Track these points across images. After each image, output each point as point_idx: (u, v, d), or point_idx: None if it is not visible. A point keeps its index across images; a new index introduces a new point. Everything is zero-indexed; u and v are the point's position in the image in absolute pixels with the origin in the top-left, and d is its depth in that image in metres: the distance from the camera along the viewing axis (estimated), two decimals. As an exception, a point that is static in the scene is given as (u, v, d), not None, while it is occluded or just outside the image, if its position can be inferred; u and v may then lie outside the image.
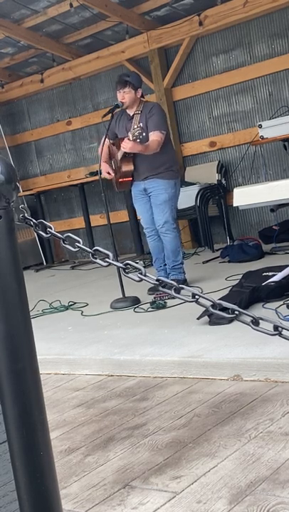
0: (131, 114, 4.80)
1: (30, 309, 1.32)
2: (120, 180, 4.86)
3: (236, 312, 1.35)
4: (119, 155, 4.74)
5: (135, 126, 4.56)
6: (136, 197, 4.94)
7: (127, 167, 4.77)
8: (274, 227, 6.30)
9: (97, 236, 8.02)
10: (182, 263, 4.91)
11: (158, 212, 4.80)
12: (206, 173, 6.98)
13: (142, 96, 4.87)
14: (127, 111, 4.83)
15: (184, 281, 4.83)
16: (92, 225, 7.90)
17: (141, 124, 4.64)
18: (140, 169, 4.78)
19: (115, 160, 4.87)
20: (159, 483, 2.03)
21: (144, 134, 4.52)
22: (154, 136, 4.66)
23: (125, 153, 4.66)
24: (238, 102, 6.92)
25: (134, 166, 4.77)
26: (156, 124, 4.69)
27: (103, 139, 4.97)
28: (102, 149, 4.87)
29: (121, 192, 7.40)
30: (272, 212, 6.09)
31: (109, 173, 4.89)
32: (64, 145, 8.58)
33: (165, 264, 4.94)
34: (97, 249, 1.46)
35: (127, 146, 4.53)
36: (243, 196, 5.18)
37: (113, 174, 4.88)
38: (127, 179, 4.85)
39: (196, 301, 1.39)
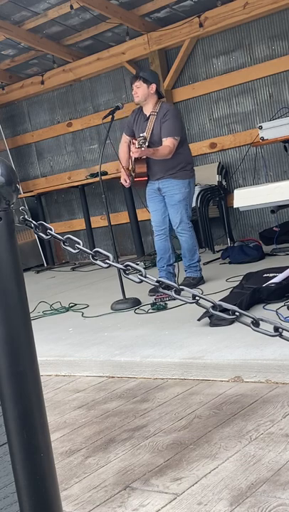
0: (147, 115, 4.82)
1: (30, 311, 1.32)
2: (136, 179, 4.93)
3: (237, 313, 1.35)
4: (133, 157, 4.81)
5: (140, 135, 4.63)
6: (150, 195, 4.98)
7: (141, 169, 4.83)
8: (274, 228, 6.29)
9: (97, 237, 8.02)
10: (199, 261, 4.95)
11: (173, 212, 4.85)
12: (207, 175, 6.98)
13: (160, 95, 4.87)
14: (144, 111, 4.85)
15: (201, 279, 4.90)
16: (92, 226, 7.91)
17: (145, 133, 4.69)
18: (154, 170, 4.83)
19: (132, 159, 4.93)
20: (159, 485, 2.03)
21: (146, 144, 4.58)
22: (167, 143, 4.70)
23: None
24: (238, 103, 6.92)
25: (148, 166, 4.82)
26: (170, 130, 4.72)
27: (123, 137, 5.00)
28: (122, 150, 4.94)
29: (121, 193, 7.42)
30: (273, 213, 6.08)
31: (125, 180, 4.94)
32: (64, 147, 8.58)
33: (168, 265, 4.97)
34: (97, 251, 1.46)
35: (135, 153, 4.61)
36: (244, 197, 5.18)
37: (129, 181, 4.94)
38: (142, 179, 4.91)
39: (197, 303, 1.39)
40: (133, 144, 4.66)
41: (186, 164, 4.87)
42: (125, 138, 5.00)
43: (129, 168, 5.00)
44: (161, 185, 4.85)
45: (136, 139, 4.71)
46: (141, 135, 4.64)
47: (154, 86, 4.79)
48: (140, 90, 4.75)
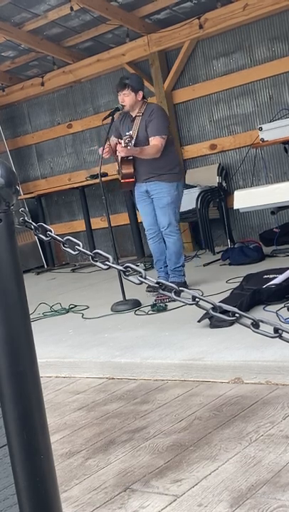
0: (133, 116, 4.82)
1: (30, 312, 1.32)
2: (122, 181, 4.91)
3: (237, 315, 1.34)
4: (119, 157, 4.78)
5: (126, 134, 4.62)
6: (138, 198, 4.97)
7: (127, 169, 4.80)
8: (275, 229, 6.29)
9: (98, 239, 8.02)
10: (183, 265, 4.92)
11: (161, 214, 4.83)
12: (207, 176, 6.98)
13: (145, 98, 4.89)
14: (130, 112, 4.85)
15: (184, 284, 4.83)
16: (93, 227, 7.91)
17: (131, 131, 4.69)
18: (141, 171, 4.80)
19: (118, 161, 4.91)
20: (159, 487, 2.03)
21: (132, 142, 4.57)
22: (154, 141, 4.69)
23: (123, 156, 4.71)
24: (238, 104, 6.92)
25: (135, 167, 4.80)
26: (157, 128, 4.71)
27: (107, 143, 4.99)
28: (107, 147, 4.88)
29: (122, 195, 7.42)
30: (273, 214, 6.09)
31: (103, 148, 4.84)
32: (65, 148, 8.59)
33: (166, 266, 4.96)
34: (97, 252, 1.46)
35: (121, 151, 4.59)
36: (244, 199, 5.18)
37: (108, 150, 4.85)
38: (129, 180, 4.89)
39: (197, 304, 1.39)
40: (119, 143, 4.64)
41: (173, 166, 4.86)
42: (113, 140, 4.99)
43: (116, 169, 4.98)
44: (149, 187, 4.84)
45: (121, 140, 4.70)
46: (127, 134, 4.63)
47: (141, 93, 4.80)
48: (128, 99, 4.74)
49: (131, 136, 4.61)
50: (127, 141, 4.54)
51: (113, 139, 4.95)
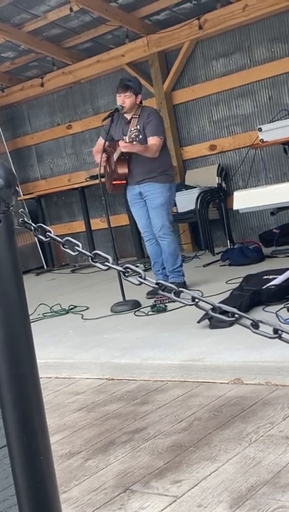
0: (128, 118, 4.83)
1: (30, 313, 1.32)
2: (114, 182, 4.88)
3: (236, 315, 1.34)
4: (115, 157, 4.77)
5: (132, 129, 4.60)
6: (132, 201, 4.96)
7: (122, 169, 4.79)
8: (274, 230, 6.29)
9: (97, 239, 8.02)
10: (181, 266, 4.92)
11: (155, 215, 4.82)
12: (207, 177, 6.98)
13: (141, 102, 4.90)
14: (125, 115, 4.86)
15: (184, 285, 4.84)
16: (92, 228, 7.91)
17: (138, 126, 4.67)
18: (135, 172, 4.80)
19: (111, 162, 4.89)
20: (159, 487, 2.03)
21: (140, 137, 4.56)
22: (153, 141, 4.69)
23: (121, 155, 4.68)
24: (238, 105, 6.92)
25: (129, 169, 4.79)
26: (155, 129, 4.72)
27: (99, 140, 4.99)
28: (98, 149, 4.89)
29: (121, 195, 7.41)
30: (273, 215, 6.09)
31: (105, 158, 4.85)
32: (64, 149, 8.59)
33: (164, 268, 4.95)
34: (96, 253, 1.46)
35: (125, 146, 4.56)
36: (244, 199, 5.18)
37: (105, 155, 4.86)
38: (120, 182, 4.87)
39: (196, 305, 1.39)
40: (123, 139, 4.62)
41: (167, 168, 4.87)
42: (101, 141, 4.97)
43: (108, 170, 4.93)
44: (142, 189, 4.83)
45: (118, 142, 4.67)
46: (133, 129, 4.61)
47: (140, 97, 4.83)
48: (129, 101, 4.75)
49: (138, 131, 4.58)
50: (133, 135, 4.51)
51: (102, 141, 4.94)
